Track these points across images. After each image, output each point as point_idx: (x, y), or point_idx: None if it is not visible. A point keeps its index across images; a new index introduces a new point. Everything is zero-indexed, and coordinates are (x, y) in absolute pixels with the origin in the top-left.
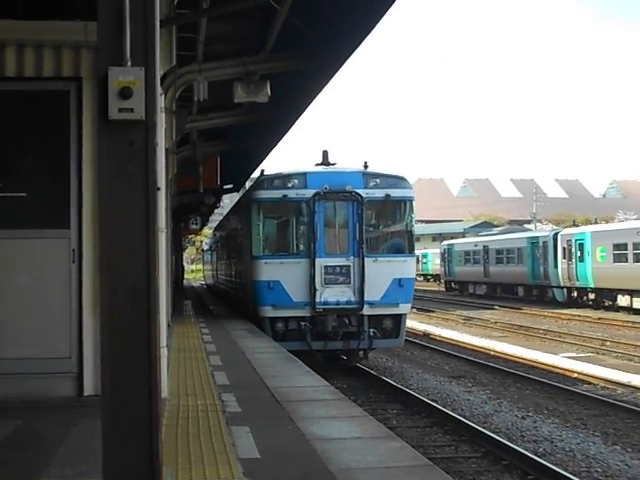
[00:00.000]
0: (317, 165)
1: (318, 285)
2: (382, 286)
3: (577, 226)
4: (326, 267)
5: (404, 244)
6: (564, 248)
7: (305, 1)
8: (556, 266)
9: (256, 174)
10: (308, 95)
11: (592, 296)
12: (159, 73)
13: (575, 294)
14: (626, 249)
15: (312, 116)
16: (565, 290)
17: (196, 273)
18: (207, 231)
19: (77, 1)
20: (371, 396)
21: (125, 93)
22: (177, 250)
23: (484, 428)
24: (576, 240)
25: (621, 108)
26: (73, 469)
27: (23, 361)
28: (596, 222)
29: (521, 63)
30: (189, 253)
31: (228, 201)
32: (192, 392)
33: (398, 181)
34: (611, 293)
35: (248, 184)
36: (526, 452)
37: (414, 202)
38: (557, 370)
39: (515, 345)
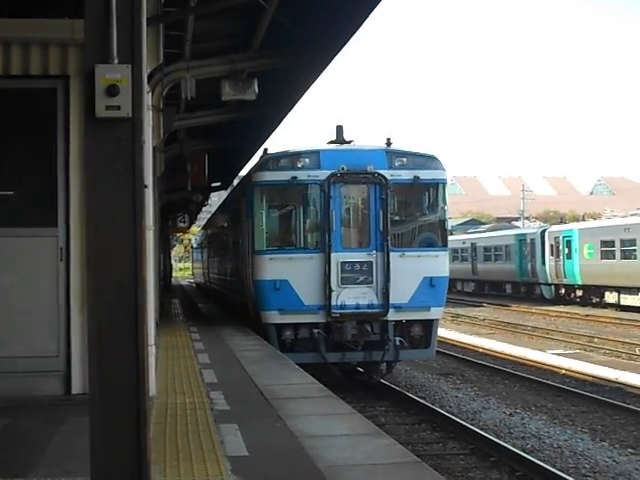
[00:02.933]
0: (330, 143)
1: (334, 285)
2: (410, 286)
3: (565, 223)
4: (344, 263)
5: (436, 236)
6: (552, 245)
7: None
8: (544, 263)
9: (244, 171)
10: (296, 92)
11: (580, 293)
12: (146, 71)
13: (563, 291)
14: (613, 246)
15: (312, 99)
16: (553, 287)
17: (184, 271)
18: (195, 229)
19: None
20: (359, 393)
21: (112, 91)
22: (165, 248)
23: (472, 425)
24: (564, 237)
25: (609, 106)
26: (61, 467)
27: (11, 360)
28: (584, 219)
29: (511, 60)
30: (177, 251)
31: (216, 199)
32: (180, 390)
33: (428, 160)
34: (599, 290)
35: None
36: (514, 449)
37: (447, 186)
38: (545, 367)
39: (503, 342)
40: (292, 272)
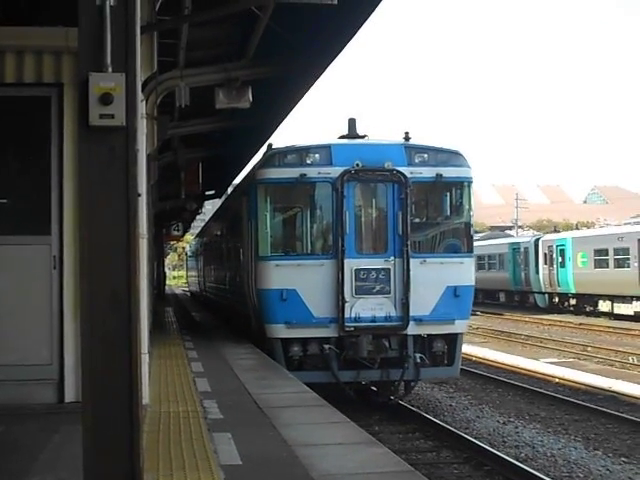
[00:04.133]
0: (342, 138)
1: (348, 295)
2: (432, 296)
3: (558, 232)
4: (358, 271)
5: (460, 241)
6: (545, 254)
7: (286, 7)
8: (537, 272)
9: (240, 178)
10: (290, 101)
11: (573, 302)
12: (140, 79)
13: (556, 300)
14: (607, 255)
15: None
16: (546, 296)
17: (178, 279)
18: (189, 237)
19: (58, 7)
20: (353, 402)
21: (106, 99)
22: (159, 256)
23: (466, 433)
24: (557, 246)
25: (603, 115)
26: (54, 476)
27: (4, 368)
28: (577, 228)
29: (503, 70)
30: (171, 259)
31: (210, 207)
32: (174, 399)
33: (452, 157)
34: (592, 299)
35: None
36: (508, 457)
37: (472, 185)
38: (538, 375)
39: (497, 351)
40: (300, 280)
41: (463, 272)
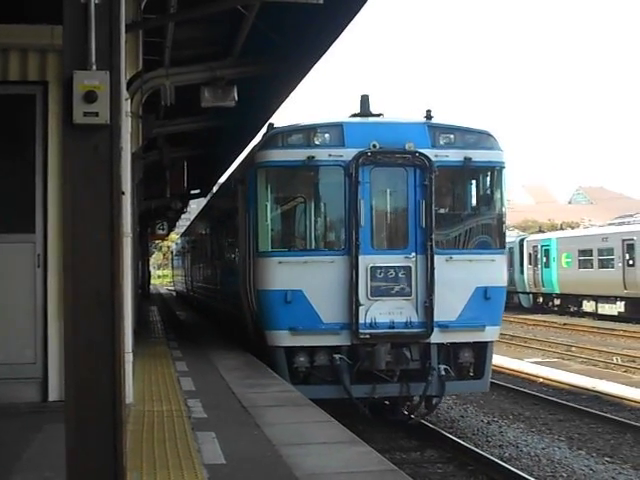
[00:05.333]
0: (354, 116)
1: (362, 297)
2: (459, 299)
3: (543, 232)
4: (374, 269)
5: (492, 235)
6: (530, 254)
7: (272, 7)
8: (522, 272)
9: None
10: (276, 99)
11: (558, 302)
12: (125, 77)
13: (541, 300)
14: (591, 255)
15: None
16: (531, 296)
17: (163, 278)
18: (174, 236)
19: (44, 4)
20: (337, 402)
21: (90, 97)
22: (144, 255)
23: (450, 433)
24: (542, 246)
25: (587, 116)
26: (37, 474)
27: None
28: (562, 228)
29: (488, 68)
30: (156, 258)
31: (195, 206)
32: (157, 398)
33: (482, 138)
34: (576, 299)
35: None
36: (492, 457)
37: (505, 171)
38: (523, 375)
39: None
40: (308, 280)
41: (494, 271)
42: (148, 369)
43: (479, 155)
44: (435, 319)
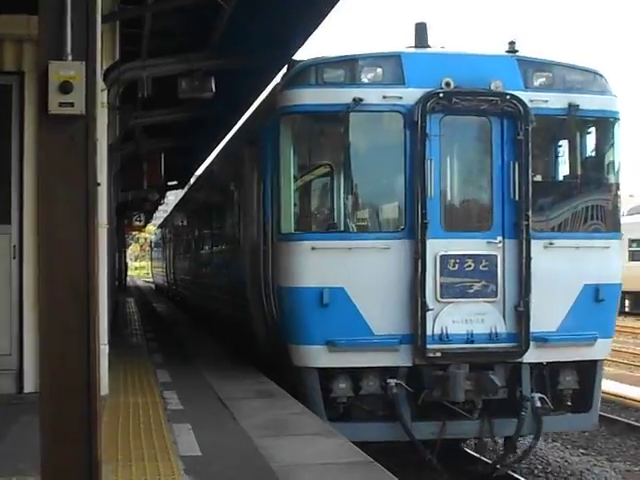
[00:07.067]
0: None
1: (430, 299)
2: (562, 301)
3: None
4: (446, 259)
5: (604, 213)
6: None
7: None
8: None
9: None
10: (254, 91)
11: None
12: (101, 68)
13: None
14: None
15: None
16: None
17: (140, 270)
18: (151, 228)
19: None
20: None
21: (65, 87)
22: (121, 247)
23: None
24: None
25: None
26: (11, 466)
27: None
28: None
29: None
30: (133, 250)
31: (172, 197)
32: (133, 390)
33: (590, 79)
34: None
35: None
36: (466, 449)
37: (620, 124)
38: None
39: None
40: (352, 274)
41: (608, 262)
42: (124, 361)
43: (588, 101)
44: (532, 330)
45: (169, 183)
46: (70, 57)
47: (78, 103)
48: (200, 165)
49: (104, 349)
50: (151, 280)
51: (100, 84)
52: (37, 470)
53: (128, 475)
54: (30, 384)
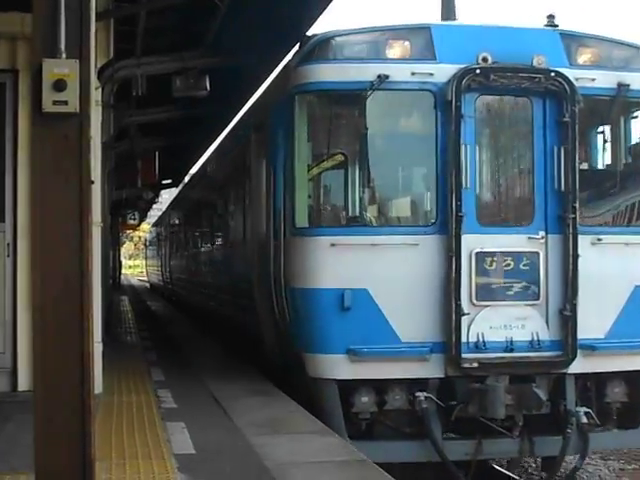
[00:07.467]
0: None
1: (465, 302)
2: (611, 304)
3: None
4: (483, 257)
5: None
6: None
7: None
8: None
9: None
10: (248, 90)
11: None
12: (95, 66)
13: None
14: None
15: None
16: None
17: (134, 269)
18: (146, 226)
19: None
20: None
21: (59, 85)
22: (114, 245)
23: None
24: None
25: None
26: (5, 464)
27: None
28: None
29: None
30: (127, 248)
31: (167, 196)
32: (127, 388)
33: (638, 55)
34: None
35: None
36: (496, 466)
37: None
38: None
39: None
40: (377, 273)
41: None
42: (118, 359)
43: (639, 80)
44: (579, 336)
45: (163, 181)
46: (64, 55)
47: (72, 101)
48: (195, 164)
49: (98, 347)
50: (146, 279)
51: (94, 82)
52: (31, 468)
53: (122, 473)
54: (24, 382)
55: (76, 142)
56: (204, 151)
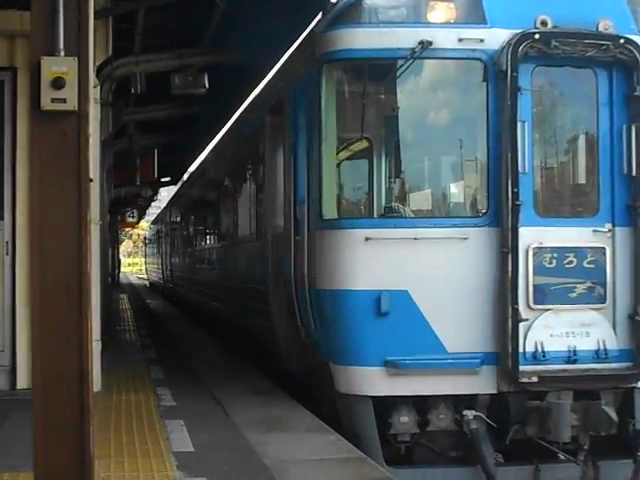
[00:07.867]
0: None
1: (522, 306)
2: None
3: None
4: (542, 253)
5: None
6: None
7: None
8: None
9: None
10: (246, 87)
11: None
12: (94, 64)
13: None
14: None
15: None
16: None
17: (132, 266)
18: (144, 224)
19: None
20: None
21: (58, 83)
22: (113, 243)
23: None
24: None
25: None
26: (4, 462)
27: None
28: None
29: None
30: (126, 246)
31: (166, 194)
32: (126, 386)
33: None
34: None
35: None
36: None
37: None
38: None
39: None
40: (418, 272)
41: None
42: (117, 357)
43: None
44: None
45: (162, 179)
46: (62, 53)
47: (70, 99)
48: (193, 161)
49: (97, 345)
50: (145, 277)
51: (93, 80)
52: (30, 466)
53: (121, 471)
54: (23, 380)
55: (75, 140)
56: (203, 149)
